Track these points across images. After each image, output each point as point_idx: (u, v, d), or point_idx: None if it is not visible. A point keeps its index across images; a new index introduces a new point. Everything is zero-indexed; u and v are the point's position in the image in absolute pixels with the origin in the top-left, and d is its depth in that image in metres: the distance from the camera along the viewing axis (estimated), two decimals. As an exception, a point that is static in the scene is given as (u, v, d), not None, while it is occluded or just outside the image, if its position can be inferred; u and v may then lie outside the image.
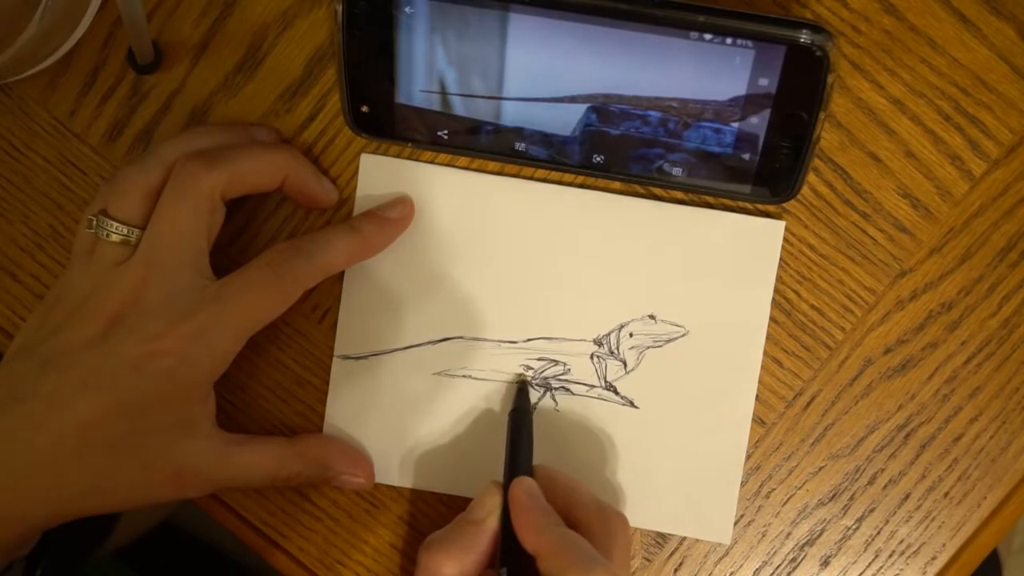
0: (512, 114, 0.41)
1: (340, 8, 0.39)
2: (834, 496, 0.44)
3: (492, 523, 0.39)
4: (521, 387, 0.43)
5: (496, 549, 0.39)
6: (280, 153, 0.42)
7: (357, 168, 0.44)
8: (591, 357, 0.44)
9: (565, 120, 0.41)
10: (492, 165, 0.44)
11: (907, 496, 0.44)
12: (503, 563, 0.38)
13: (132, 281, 0.38)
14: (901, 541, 0.44)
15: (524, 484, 0.39)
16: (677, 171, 0.41)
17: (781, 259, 0.43)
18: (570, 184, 0.43)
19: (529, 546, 0.37)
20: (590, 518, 0.39)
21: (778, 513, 0.44)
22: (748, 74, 0.38)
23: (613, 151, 0.41)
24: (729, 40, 0.38)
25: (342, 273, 0.44)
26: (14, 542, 0.38)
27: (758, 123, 0.39)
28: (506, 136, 0.41)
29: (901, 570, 0.44)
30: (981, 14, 0.42)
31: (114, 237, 0.39)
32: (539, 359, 0.44)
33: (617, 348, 0.44)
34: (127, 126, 0.44)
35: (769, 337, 0.43)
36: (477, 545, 0.38)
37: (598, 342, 0.44)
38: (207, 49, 0.44)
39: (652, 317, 0.43)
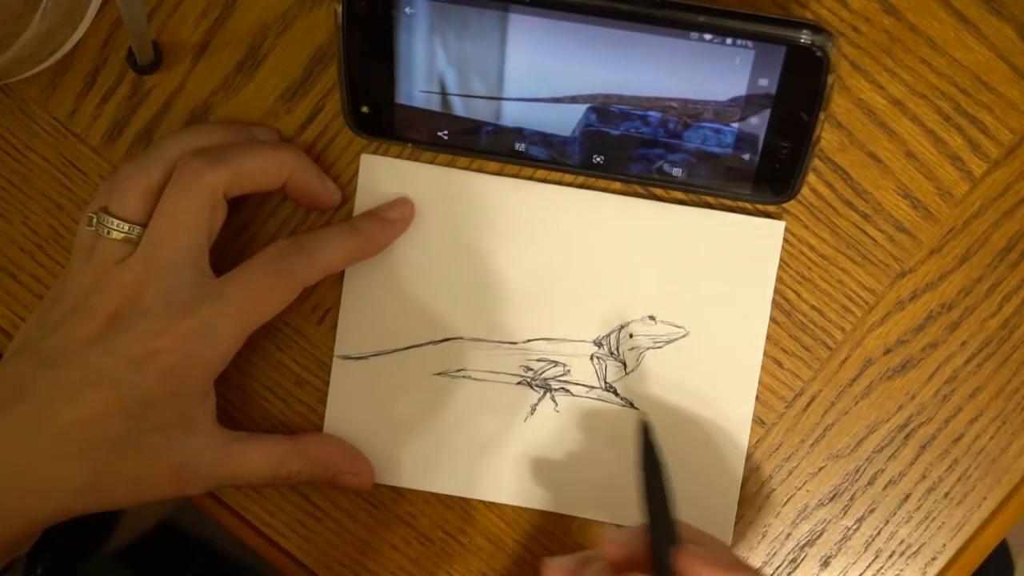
0: (512, 114, 0.41)
1: (340, 8, 0.39)
2: (834, 497, 0.44)
3: None
4: (644, 427, 0.37)
5: None
6: (284, 152, 0.42)
7: (357, 168, 0.44)
8: (591, 358, 0.44)
9: (565, 120, 0.41)
10: (492, 165, 0.44)
11: (907, 496, 0.44)
12: None
13: (132, 278, 0.38)
14: (901, 541, 0.44)
15: (688, 551, 0.36)
16: (677, 171, 0.41)
17: (781, 259, 0.43)
18: (570, 184, 0.43)
19: None
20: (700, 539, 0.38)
21: (778, 513, 0.44)
22: (748, 74, 0.38)
23: (613, 151, 0.41)
24: (729, 40, 0.38)
25: (342, 273, 0.44)
26: (15, 540, 0.38)
27: (758, 123, 0.39)
28: (506, 136, 0.41)
29: (901, 570, 0.44)
30: (981, 14, 0.42)
31: (115, 234, 0.39)
32: (539, 360, 0.44)
33: (617, 349, 0.44)
34: (127, 126, 0.44)
35: (769, 337, 0.43)
36: None
37: (598, 343, 0.44)
38: (207, 49, 0.44)
39: (652, 318, 0.43)
